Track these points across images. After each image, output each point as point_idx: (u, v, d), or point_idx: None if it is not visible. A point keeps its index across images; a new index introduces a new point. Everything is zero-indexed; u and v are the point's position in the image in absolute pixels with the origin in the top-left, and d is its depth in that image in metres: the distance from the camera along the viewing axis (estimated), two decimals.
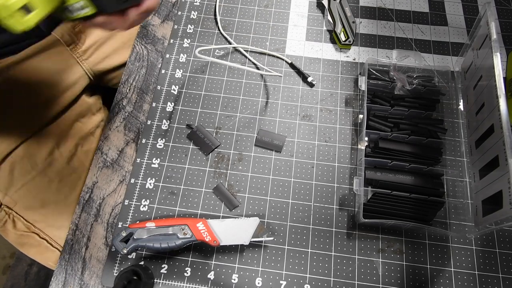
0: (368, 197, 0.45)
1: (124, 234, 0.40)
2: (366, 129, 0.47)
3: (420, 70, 0.53)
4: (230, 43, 0.56)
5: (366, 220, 0.41)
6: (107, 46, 0.60)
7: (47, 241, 0.54)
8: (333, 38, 0.56)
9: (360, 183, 0.43)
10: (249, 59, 0.55)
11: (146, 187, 0.47)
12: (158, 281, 0.42)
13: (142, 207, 0.46)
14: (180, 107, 0.52)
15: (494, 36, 0.42)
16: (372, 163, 0.46)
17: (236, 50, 0.56)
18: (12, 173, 0.51)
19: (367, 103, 0.48)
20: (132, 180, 0.47)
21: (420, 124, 0.48)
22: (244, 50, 0.55)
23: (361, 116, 0.49)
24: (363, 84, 0.49)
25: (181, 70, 0.54)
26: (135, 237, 0.40)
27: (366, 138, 0.48)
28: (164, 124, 0.51)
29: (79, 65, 0.58)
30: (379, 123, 0.48)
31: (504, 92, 0.39)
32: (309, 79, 0.53)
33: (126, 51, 0.60)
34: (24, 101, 0.52)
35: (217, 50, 0.56)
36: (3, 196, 0.51)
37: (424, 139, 0.47)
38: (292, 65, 0.54)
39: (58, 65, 0.56)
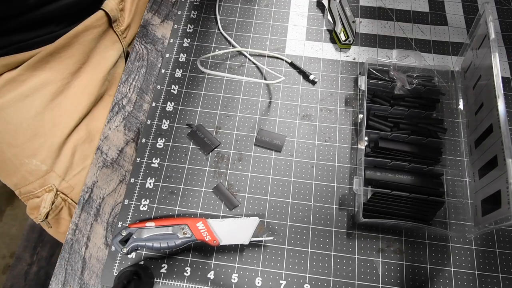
0: (368, 197, 0.45)
1: (124, 233, 0.40)
2: (366, 128, 0.47)
3: (420, 69, 0.53)
4: (230, 43, 0.56)
5: (366, 220, 0.41)
6: (134, 25, 0.62)
7: None
8: (333, 38, 0.56)
9: (360, 183, 0.43)
10: (250, 59, 0.55)
11: (146, 186, 0.47)
12: (158, 280, 0.42)
13: (142, 207, 0.46)
14: (180, 107, 0.52)
15: (492, 35, 0.42)
16: (372, 162, 0.46)
17: (236, 50, 0.56)
18: (73, 156, 0.51)
19: (367, 102, 0.48)
20: (132, 180, 0.47)
21: (420, 123, 0.48)
22: (244, 52, 0.55)
23: (361, 115, 0.49)
24: (363, 83, 0.49)
25: (181, 70, 0.54)
26: (134, 237, 0.40)
27: (366, 138, 0.48)
28: (164, 123, 0.51)
29: (120, 43, 0.59)
30: (379, 123, 0.48)
31: (502, 92, 0.39)
32: (311, 77, 0.53)
33: None
34: (75, 80, 0.53)
35: (217, 49, 0.56)
36: (60, 181, 0.51)
37: (424, 139, 0.47)
38: (292, 64, 0.54)
39: (105, 42, 0.57)
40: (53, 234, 0.56)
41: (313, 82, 0.53)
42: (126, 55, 0.63)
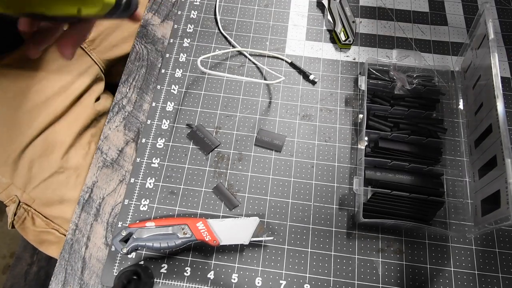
0: (368, 197, 0.45)
1: (124, 233, 0.40)
2: (366, 128, 0.47)
3: (420, 69, 0.53)
4: (230, 43, 0.56)
5: (366, 220, 0.41)
6: (115, 35, 0.61)
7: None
8: (333, 38, 0.56)
9: (360, 183, 0.43)
10: (250, 59, 0.55)
11: (146, 186, 0.47)
12: (158, 280, 0.42)
13: (142, 207, 0.46)
14: (180, 107, 0.52)
15: (491, 35, 0.42)
16: (372, 163, 0.46)
17: (236, 50, 0.56)
18: (30, 170, 0.51)
19: (367, 102, 0.48)
20: (132, 180, 0.47)
21: (420, 123, 0.48)
22: (244, 52, 0.55)
23: (361, 115, 0.49)
24: (363, 83, 0.49)
25: (181, 70, 0.54)
26: (134, 237, 0.40)
27: (366, 138, 0.48)
28: (164, 123, 0.51)
29: (87, 55, 0.59)
30: (379, 123, 0.48)
31: (501, 92, 0.39)
32: (311, 77, 0.53)
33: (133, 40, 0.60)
34: (33, 93, 0.52)
35: (217, 49, 0.56)
36: (22, 193, 0.52)
37: (424, 139, 0.47)
38: (292, 64, 0.54)
39: None
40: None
41: (313, 82, 0.53)
42: (111, 65, 0.63)
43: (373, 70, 0.51)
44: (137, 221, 0.45)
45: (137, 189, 0.47)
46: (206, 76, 0.54)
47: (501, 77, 0.53)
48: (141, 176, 0.48)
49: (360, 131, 0.49)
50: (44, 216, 0.53)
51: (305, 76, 0.53)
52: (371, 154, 0.47)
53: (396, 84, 0.50)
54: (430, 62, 0.55)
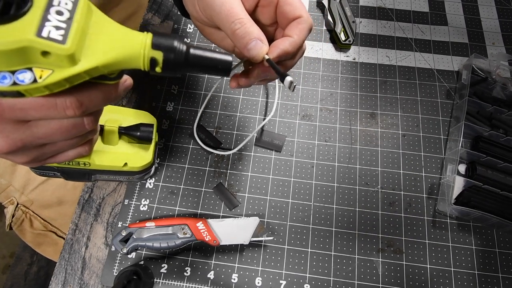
0: (456, 188, 0.44)
1: (124, 233, 0.40)
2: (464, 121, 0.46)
3: None
4: None
5: (456, 206, 0.41)
6: None
7: (64, 239, 0.55)
8: (333, 38, 0.56)
9: (453, 170, 0.43)
10: None
11: (146, 186, 0.47)
12: (158, 280, 0.42)
13: (142, 207, 0.46)
14: (180, 107, 0.52)
15: None
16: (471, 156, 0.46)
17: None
18: (29, 172, 0.51)
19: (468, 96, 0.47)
20: None
21: None
22: None
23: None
24: (465, 77, 0.48)
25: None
26: (134, 237, 0.40)
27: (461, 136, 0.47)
28: (164, 124, 0.51)
29: None
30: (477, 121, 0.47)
31: None
32: (287, 79, 0.30)
33: None
34: None
35: (217, 49, 0.55)
36: (20, 195, 0.52)
37: None
38: (269, 61, 0.31)
39: None
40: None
41: (290, 85, 0.30)
42: None
43: (476, 68, 0.50)
44: (137, 221, 0.45)
45: (137, 189, 0.47)
46: (206, 76, 0.54)
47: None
48: None
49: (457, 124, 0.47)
50: (42, 218, 0.53)
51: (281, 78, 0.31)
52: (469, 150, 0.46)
53: (496, 86, 0.49)
54: (430, 62, 0.55)
